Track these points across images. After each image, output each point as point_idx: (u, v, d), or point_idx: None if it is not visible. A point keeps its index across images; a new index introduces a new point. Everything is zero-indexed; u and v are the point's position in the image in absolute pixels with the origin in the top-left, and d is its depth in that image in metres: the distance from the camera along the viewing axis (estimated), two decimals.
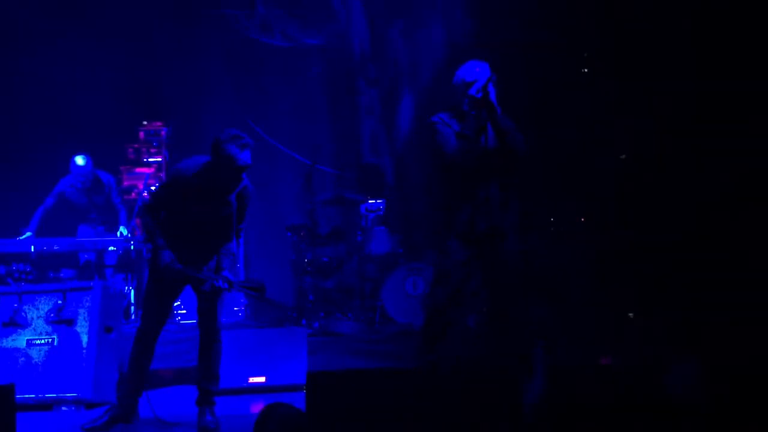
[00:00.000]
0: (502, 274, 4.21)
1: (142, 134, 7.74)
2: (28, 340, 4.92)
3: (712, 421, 2.59)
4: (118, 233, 6.49)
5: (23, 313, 4.98)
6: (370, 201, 7.09)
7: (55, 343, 4.90)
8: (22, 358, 4.87)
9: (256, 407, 4.40)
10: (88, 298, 4.97)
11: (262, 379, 5.21)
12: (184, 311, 6.38)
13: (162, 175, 7.46)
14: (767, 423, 2.56)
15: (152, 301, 4.24)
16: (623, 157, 6.12)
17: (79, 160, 6.56)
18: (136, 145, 7.67)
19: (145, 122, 7.75)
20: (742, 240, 4.37)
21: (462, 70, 4.22)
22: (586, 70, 6.42)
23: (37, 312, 4.99)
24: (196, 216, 4.12)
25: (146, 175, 7.40)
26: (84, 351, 4.86)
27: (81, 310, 4.96)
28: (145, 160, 7.62)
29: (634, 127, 5.86)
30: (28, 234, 6.19)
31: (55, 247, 5.97)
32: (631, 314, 5.51)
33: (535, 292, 5.29)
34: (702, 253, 4.66)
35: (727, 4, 4.73)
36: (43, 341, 4.92)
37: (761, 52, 4.57)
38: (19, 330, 4.95)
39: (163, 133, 7.76)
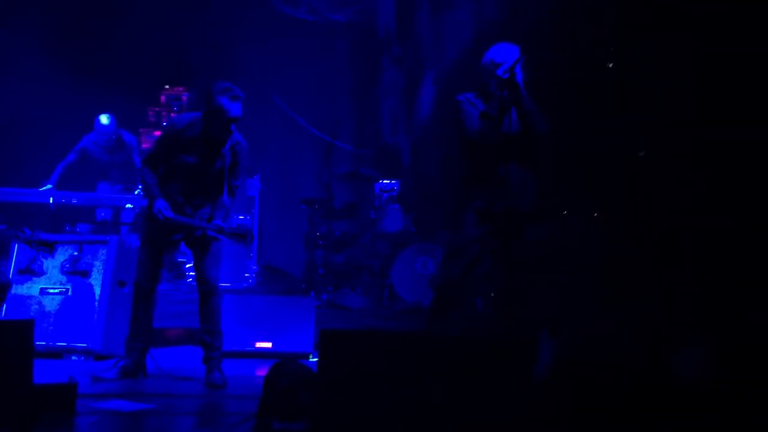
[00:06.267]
0: (516, 256, 4.25)
1: (163, 98, 7.81)
2: (42, 288, 5.01)
3: (721, 402, 2.61)
4: (136, 192, 6.56)
5: (39, 262, 5.05)
6: (384, 181, 7.13)
7: (69, 293, 4.98)
8: (35, 306, 4.96)
9: (262, 371, 4.46)
10: (104, 252, 5.05)
11: (268, 345, 5.26)
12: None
13: None
14: None
15: (146, 252, 4.32)
16: (642, 154, 6.10)
17: (104, 119, 6.66)
18: (157, 109, 7.74)
19: (167, 86, 7.81)
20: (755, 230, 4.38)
21: (492, 51, 4.25)
22: (611, 65, 6.39)
23: (53, 262, 5.06)
24: (190, 168, 4.24)
25: None
26: (96, 303, 4.93)
27: (96, 263, 5.03)
28: (165, 123, 7.66)
29: (655, 122, 5.84)
30: (49, 186, 6.27)
31: (73, 201, 6.06)
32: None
33: (544, 279, 5.31)
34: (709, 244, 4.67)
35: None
36: (57, 290, 4.99)
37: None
38: (34, 278, 5.03)
39: (184, 98, 7.82)
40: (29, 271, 5.03)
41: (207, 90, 4.17)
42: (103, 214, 6.30)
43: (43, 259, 5.04)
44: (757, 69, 4.68)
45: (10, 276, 5.00)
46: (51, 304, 4.96)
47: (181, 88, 7.85)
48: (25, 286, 5.01)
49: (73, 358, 4.83)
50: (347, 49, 8.41)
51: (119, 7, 7.66)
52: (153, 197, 4.21)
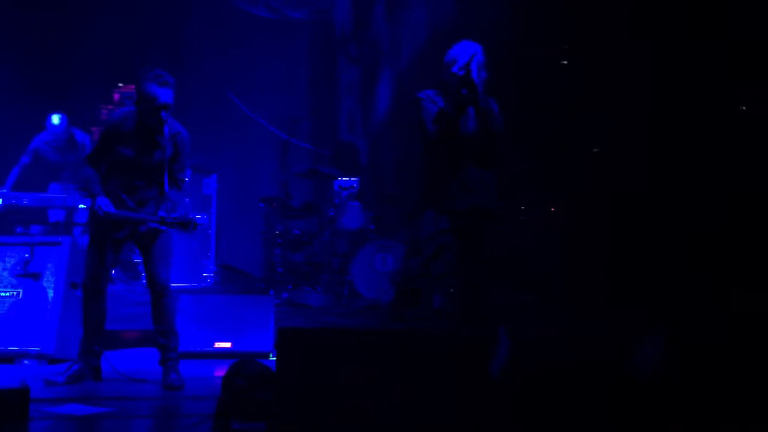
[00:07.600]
0: (476, 254, 4.28)
1: (116, 96, 7.66)
2: None
3: (679, 395, 2.66)
4: None
5: None
6: (344, 178, 7.12)
7: (20, 296, 4.87)
8: None
9: (221, 371, 4.43)
10: (56, 254, 4.94)
11: (227, 345, 5.21)
12: None
13: None
14: (736, 396, 2.65)
15: (93, 252, 4.23)
16: (596, 150, 6.21)
17: (55, 119, 6.53)
18: (110, 107, 7.58)
19: (120, 84, 7.67)
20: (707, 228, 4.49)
21: (454, 48, 4.29)
22: (565, 62, 6.49)
23: (3, 264, 4.95)
24: (129, 162, 4.16)
25: None
26: (49, 306, 4.83)
27: (48, 265, 4.92)
28: None
29: (609, 119, 5.95)
30: (3, 191, 6.13)
31: (24, 201, 5.92)
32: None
33: (504, 277, 5.36)
34: (667, 242, 4.78)
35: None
36: (7, 293, 4.87)
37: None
38: None
39: None
40: None
41: (136, 78, 4.07)
42: (56, 216, 6.16)
43: None
44: (712, 66, 4.80)
45: None
46: (1, 307, 4.84)
47: (134, 86, 7.71)
48: None
49: (26, 362, 4.72)
50: (305, 48, 8.39)
51: (71, 4, 7.51)
52: (94, 195, 4.13)
